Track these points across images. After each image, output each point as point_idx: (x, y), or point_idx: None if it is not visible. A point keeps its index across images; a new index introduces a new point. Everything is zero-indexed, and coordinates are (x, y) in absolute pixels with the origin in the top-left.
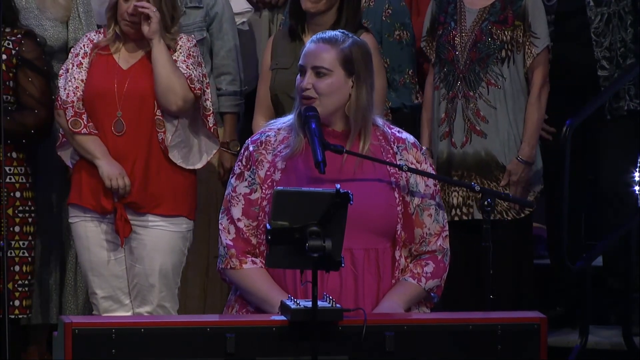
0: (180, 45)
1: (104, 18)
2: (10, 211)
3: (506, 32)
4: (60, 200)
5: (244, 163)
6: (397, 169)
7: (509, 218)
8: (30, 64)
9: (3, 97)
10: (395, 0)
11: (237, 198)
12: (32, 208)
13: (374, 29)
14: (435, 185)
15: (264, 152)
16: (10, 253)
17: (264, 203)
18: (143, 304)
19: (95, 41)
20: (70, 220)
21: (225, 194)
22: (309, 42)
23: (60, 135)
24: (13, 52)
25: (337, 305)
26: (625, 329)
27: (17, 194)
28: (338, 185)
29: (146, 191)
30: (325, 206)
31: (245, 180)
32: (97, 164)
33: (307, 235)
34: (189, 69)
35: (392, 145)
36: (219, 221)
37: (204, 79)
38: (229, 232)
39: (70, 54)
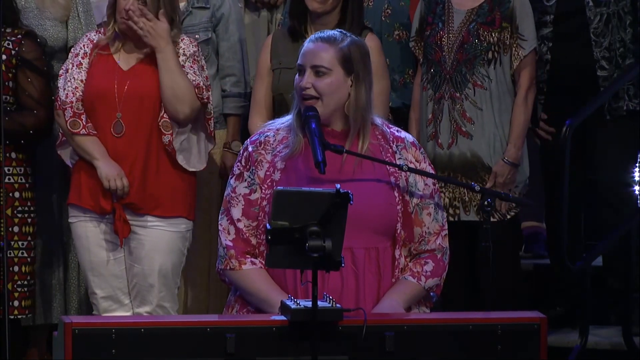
0: (184, 49)
1: (103, 14)
2: (9, 211)
3: (493, 34)
4: (61, 200)
5: (243, 163)
6: (396, 168)
7: (495, 220)
8: (30, 64)
9: (2, 98)
10: (394, 1)
11: (237, 199)
12: (32, 208)
13: (374, 29)
14: (434, 184)
15: (263, 152)
16: (10, 253)
17: (264, 203)
18: (142, 304)
19: (95, 41)
20: (69, 221)
21: (225, 194)
22: (307, 42)
23: (60, 134)
24: (13, 52)
25: (337, 305)
26: (625, 329)
27: (17, 194)
28: (338, 185)
29: (145, 192)
30: (325, 206)
31: (245, 180)
32: (95, 164)
33: (307, 235)
34: (196, 76)
35: (391, 145)
36: (219, 222)
37: (207, 81)
38: (228, 233)
39: (70, 54)
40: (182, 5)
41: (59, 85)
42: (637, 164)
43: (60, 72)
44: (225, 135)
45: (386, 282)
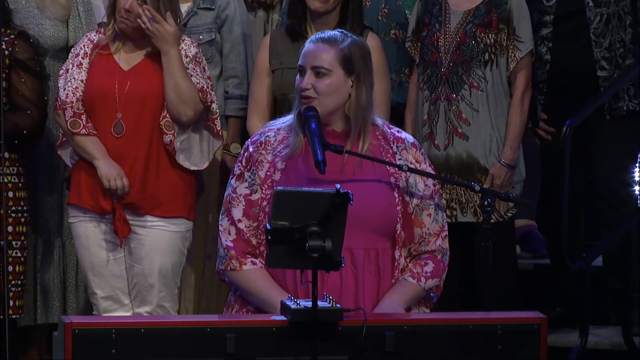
0: (185, 50)
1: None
2: (2, 211)
3: (490, 35)
4: (61, 199)
5: (243, 164)
6: (396, 168)
7: (493, 220)
8: (23, 64)
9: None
10: (391, 0)
11: (238, 199)
12: (25, 208)
13: None
14: (434, 185)
15: (263, 152)
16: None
17: (264, 203)
18: (142, 304)
19: (95, 41)
20: (69, 221)
21: (225, 195)
22: (308, 42)
23: (60, 134)
24: (6, 52)
25: (337, 305)
26: (625, 329)
27: (10, 194)
28: (338, 185)
29: (145, 192)
30: (325, 206)
31: (246, 181)
32: (95, 164)
33: (307, 235)
34: (200, 78)
35: (392, 145)
36: (219, 222)
37: (209, 81)
38: (229, 233)
39: (70, 54)
40: (187, 5)
41: (59, 85)
42: (637, 164)
43: (61, 72)
44: (225, 136)
45: (386, 283)
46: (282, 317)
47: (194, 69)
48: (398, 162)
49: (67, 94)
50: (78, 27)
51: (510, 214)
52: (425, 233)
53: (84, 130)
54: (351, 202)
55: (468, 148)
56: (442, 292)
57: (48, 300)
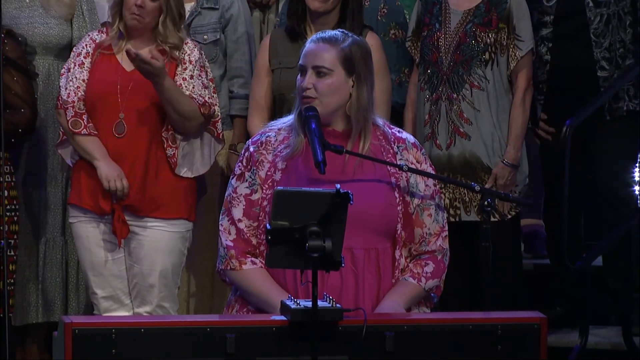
0: (189, 55)
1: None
2: (1, 210)
3: (490, 35)
4: (63, 198)
5: (244, 164)
6: (397, 168)
7: (495, 220)
8: (15, 63)
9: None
10: (390, 0)
11: (238, 199)
12: (16, 207)
13: None
14: (435, 185)
15: (264, 152)
16: None
17: (265, 203)
18: (143, 304)
19: (97, 41)
20: (70, 221)
21: (226, 194)
22: (309, 42)
23: (60, 133)
24: None
25: (337, 305)
26: (625, 329)
27: (5, 193)
28: (338, 185)
29: (144, 194)
30: (325, 206)
31: (246, 181)
32: (95, 165)
33: (307, 235)
34: (203, 89)
35: (393, 145)
36: (220, 222)
37: (211, 84)
38: (229, 233)
39: (72, 53)
40: (191, 5)
41: (61, 84)
42: (637, 164)
43: (62, 71)
44: (231, 136)
45: (386, 283)
46: (282, 317)
47: (199, 75)
48: (399, 162)
49: (69, 93)
50: (82, 26)
51: (513, 213)
52: (426, 233)
53: (84, 130)
54: (351, 202)
55: (470, 147)
56: (449, 291)
57: (49, 299)
